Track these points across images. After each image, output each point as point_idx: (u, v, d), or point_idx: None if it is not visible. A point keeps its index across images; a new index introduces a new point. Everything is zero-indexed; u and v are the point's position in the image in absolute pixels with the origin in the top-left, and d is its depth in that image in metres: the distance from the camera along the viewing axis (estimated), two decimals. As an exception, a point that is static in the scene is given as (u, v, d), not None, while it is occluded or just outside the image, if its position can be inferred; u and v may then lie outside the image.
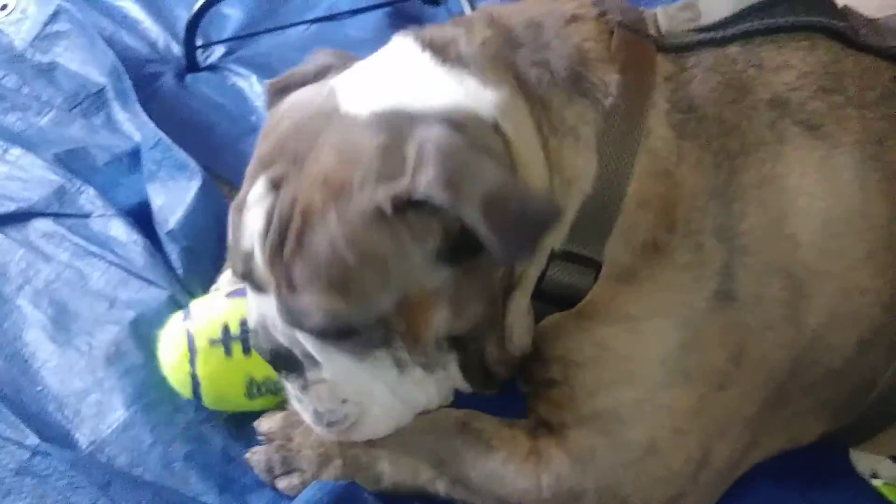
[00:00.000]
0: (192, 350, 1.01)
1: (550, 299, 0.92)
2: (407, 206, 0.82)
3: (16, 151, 1.34)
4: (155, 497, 0.94)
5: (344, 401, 0.92)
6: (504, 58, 0.91)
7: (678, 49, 0.94)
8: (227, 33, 1.66)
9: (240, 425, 1.03)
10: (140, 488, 0.95)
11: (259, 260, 0.87)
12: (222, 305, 1.03)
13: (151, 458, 1.00)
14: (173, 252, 1.18)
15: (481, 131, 0.86)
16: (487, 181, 0.81)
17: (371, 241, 0.84)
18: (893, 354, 0.94)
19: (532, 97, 0.90)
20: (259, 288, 0.90)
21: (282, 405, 1.02)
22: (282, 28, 1.67)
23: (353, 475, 0.96)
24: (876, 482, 1.04)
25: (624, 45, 0.93)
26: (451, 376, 0.95)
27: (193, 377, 1.01)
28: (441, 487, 0.96)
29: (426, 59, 0.90)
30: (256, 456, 0.99)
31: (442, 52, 0.90)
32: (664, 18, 0.96)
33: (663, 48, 0.94)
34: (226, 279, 1.11)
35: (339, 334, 0.88)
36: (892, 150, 0.92)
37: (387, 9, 1.68)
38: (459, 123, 0.85)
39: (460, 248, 0.84)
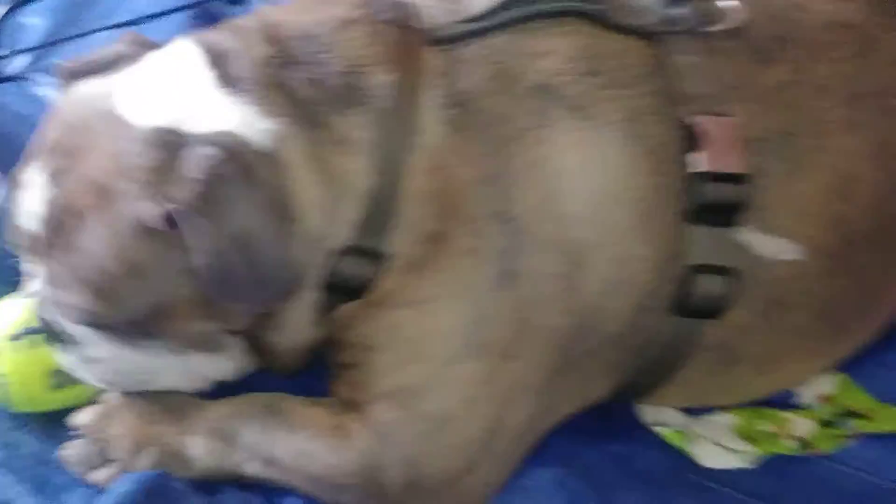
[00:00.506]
0: None
1: (341, 291, 0.97)
2: (173, 220, 0.87)
3: None
4: (-35, 507, 0.95)
5: (125, 374, 0.98)
6: (280, 81, 0.94)
7: (445, 41, 0.99)
8: (30, 42, 1.65)
9: (54, 428, 1.04)
10: (-52, 499, 0.96)
11: (31, 247, 0.93)
12: (21, 303, 1.05)
13: (-38, 468, 1.00)
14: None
15: (253, 160, 0.90)
16: (236, 222, 0.87)
17: (129, 252, 0.89)
18: (667, 315, 1.01)
19: (309, 119, 0.94)
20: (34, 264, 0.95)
21: (94, 398, 1.04)
22: (85, 35, 1.66)
23: (166, 462, 0.99)
24: (661, 430, 1.12)
25: (394, 44, 0.98)
26: (233, 357, 1.00)
27: None
28: (254, 469, 0.99)
29: (207, 75, 0.93)
30: (71, 450, 1.01)
31: (222, 68, 0.94)
32: (427, 11, 1.01)
33: (431, 41, 0.99)
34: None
35: (99, 328, 0.93)
36: (652, 126, 0.99)
37: (190, 11, 1.69)
38: (232, 150, 0.89)
39: None
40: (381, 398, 0.97)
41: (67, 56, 1.60)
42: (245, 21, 1.00)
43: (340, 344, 1.00)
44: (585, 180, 0.97)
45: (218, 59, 0.94)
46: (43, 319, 0.98)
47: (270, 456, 0.99)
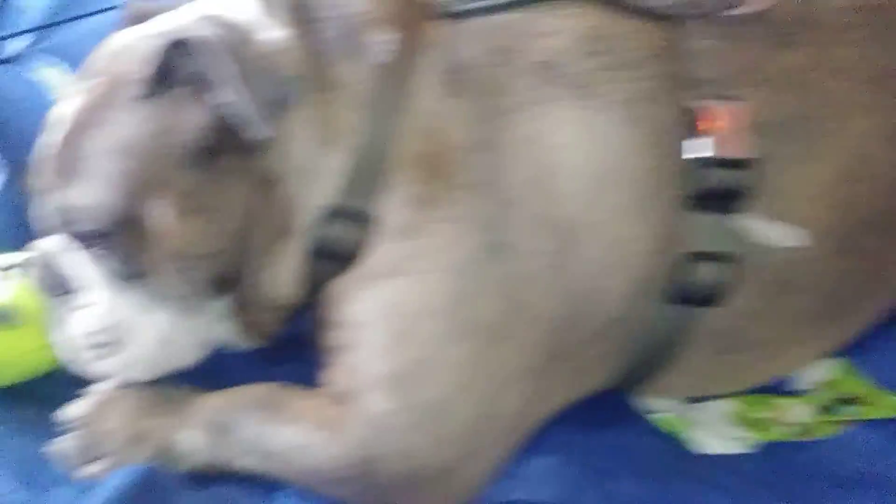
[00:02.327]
0: None
1: (329, 255, 0.97)
2: (162, 86, 0.92)
3: None
4: (-45, 501, 0.95)
5: (107, 329, 0.99)
6: (294, 7, 0.97)
7: (451, 16, 0.99)
8: (29, 23, 1.64)
9: (42, 421, 1.03)
10: (-62, 493, 0.95)
11: (47, 175, 0.97)
12: None
13: (-52, 466, 1.00)
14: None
15: (248, 43, 0.93)
16: (241, 44, 0.91)
17: (127, 127, 0.93)
18: (664, 302, 1.00)
19: (309, 47, 0.96)
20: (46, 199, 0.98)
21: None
22: (86, 16, 1.65)
23: (160, 456, 0.99)
24: (658, 417, 1.11)
25: (398, 8, 0.98)
26: (210, 325, 1.01)
27: None
28: (249, 462, 0.99)
29: None
30: (63, 445, 1.01)
31: None
32: None
33: (437, 14, 0.99)
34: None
35: (97, 238, 0.95)
36: (655, 108, 0.98)
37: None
38: (224, 24, 0.93)
39: (208, 150, 0.93)
40: (374, 387, 0.96)
41: (66, 38, 1.61)
42: None
43: (335, 324, 0.99)
44: (581, 158, 0.96)
45: None
46: (46, 267, 1.00)
47: (265, 449, 0.98)
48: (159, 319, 0.99)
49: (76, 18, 1.65)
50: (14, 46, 1.59)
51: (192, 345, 1.02)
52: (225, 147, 0.93)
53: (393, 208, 0.95)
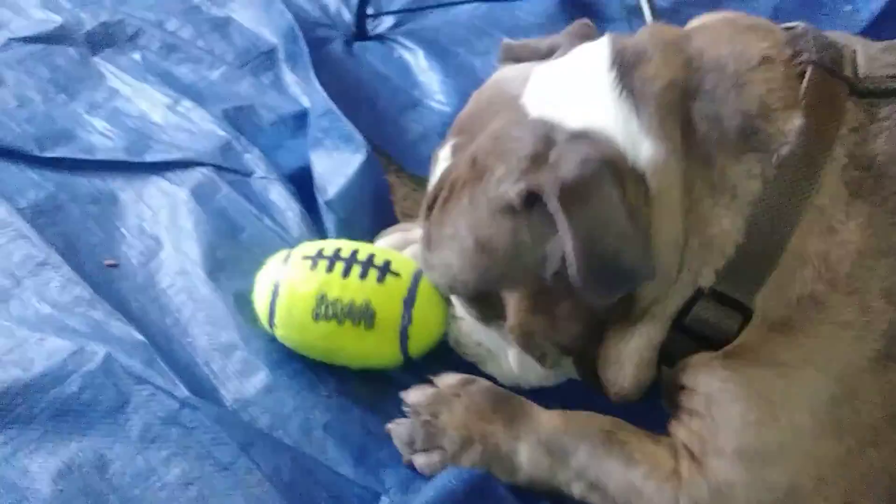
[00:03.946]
0: (285, 261, 1.06)
1: (692, 335, 0.92)
2: (534, 203, 0.89)
3: (187, 104, 1.38)
4: (293, 463, 0.95)
5: (478, 343, 1.04)
6: (678, 107, 0.90)
7: (872, 95, 0.91)
8: (398, 4, 1.67)
9: (380, 399, 1.04)
10: (280, 452, 0.96)
11: (424, 213, 1.01)
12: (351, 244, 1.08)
13: (292, 424, 1.01)
14: (329, 222, 1.20)
15: (624, 174, 0.87)
16: (604, 209, 0.85)
17: (491, 231, 0.93)
18: None
19: (693, 155, 0.89)
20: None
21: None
22: (452, 4, 1.67)
23: (490, 463, 0.97)
24: None
25: (814, 88, 0.90)
26: (560, 369, 1.01)
27: (275, 285, 1.04)
28: (576, 490, 0.96)
29: (608, 79, 0.92)
30: (399, 427, 1.00)
31: (626, 76, 0.91)
32: (863, 58, 0.92)
33: (856, 92, 0.90)
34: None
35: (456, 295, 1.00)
36: None
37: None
38: (606, 156, 0.87)
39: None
40: (726, 454, 0.91)
41: (431, 23, 1.63)
42: (673, 36, 0.95)
43: (678, 386, 0.94)
44: None
45: (625, 63, 0.92)
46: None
47: (599, 482, 0.94)
48: (513, 353, 1.01)
49: (437, 7, 1.67)
50: (383, 25, 1.62)
51: (546, 378, 1.04)
52: None
53: (774, 305, 0.89)
